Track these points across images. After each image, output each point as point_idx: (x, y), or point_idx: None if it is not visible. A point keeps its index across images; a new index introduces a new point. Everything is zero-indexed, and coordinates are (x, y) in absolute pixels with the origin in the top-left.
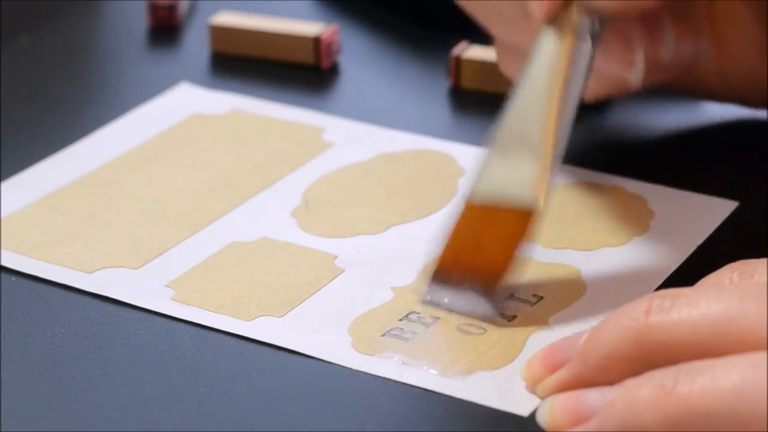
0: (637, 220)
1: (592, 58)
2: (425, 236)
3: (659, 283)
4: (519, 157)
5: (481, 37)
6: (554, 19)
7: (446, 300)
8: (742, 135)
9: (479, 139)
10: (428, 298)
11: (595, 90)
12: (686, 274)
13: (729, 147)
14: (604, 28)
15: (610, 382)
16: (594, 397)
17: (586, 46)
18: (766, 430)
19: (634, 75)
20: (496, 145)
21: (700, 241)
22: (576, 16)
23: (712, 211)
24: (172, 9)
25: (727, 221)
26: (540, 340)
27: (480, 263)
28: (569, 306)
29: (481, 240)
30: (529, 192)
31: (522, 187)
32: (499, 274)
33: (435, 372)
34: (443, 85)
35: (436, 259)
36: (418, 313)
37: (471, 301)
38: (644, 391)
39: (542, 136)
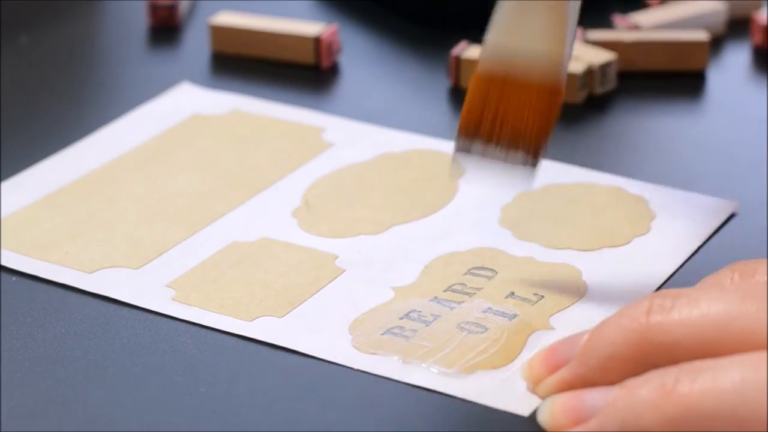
0: (637, 220)
1: None
2: (425, 236)
3: (660, 283)
4: (535, 20)
5: (481, 37)
6: None
7: (479, 153)
8: (742, 135)
9: None
10: (461, 151)
11: None
12: (687, 274)
13: (729, 147)
14: None
15: (611, 382)
16: (594, 397)
17: None
18: (766, 430)
19: None
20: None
21: (700, 241)
22: None
23: (712, 211)
24: (172, 9)
25: (727, 221)
26: (540, 340)
27: (507, 134)
28: (569, 306)
29: (507, 112)
30: (554, 68)
31: (545, 62)
32: (533, 144)
33: (435, 371)
34: (443, 85)
35: (462, 121)
36: (419, 311)
37: (506, 156)
38: (645, 391)
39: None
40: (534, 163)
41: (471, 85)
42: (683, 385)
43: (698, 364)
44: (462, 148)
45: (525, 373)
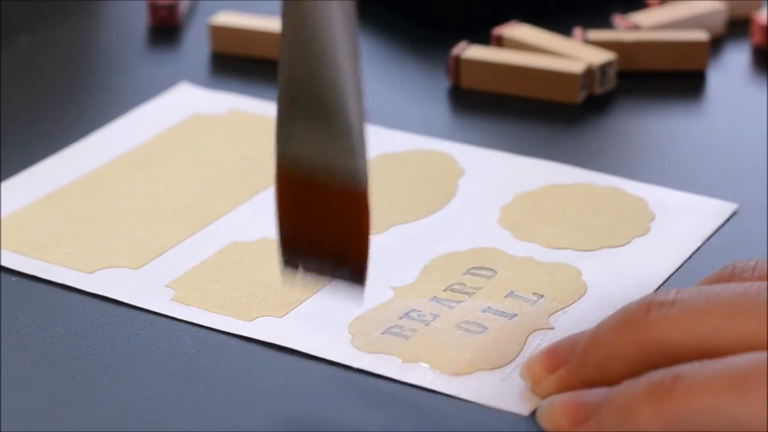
0: (637, 220)
1: None
2: (425, 236)
3: (659, 283)
4: (327, 122)
5: (481, 37)
6: None
7: (305, 269)
8: (742, 135)
9: (479, 139)
10: (285, 267)
11: None
12: (686, 275)
13: (729, 147)
14: None
15: (610, 382)
16: (594, 397)
17: None
18: (765, 430)
19: None
20: (292, 105)
21: (700, 241)
22: None
23: (712, 212)
24: (172, 9)
25: (727, 222)
26: (540, 339)
27: (328, 248)
28: (569, 306)
29: (317, 218)
30: (358, 169)
31: (349, 163)
32: (356, 259)
33: (435, 371)
34: (443, 85)
35: (279, 234)
36: (419, 311)
37: (332, 273)
38: (644, 391)
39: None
40: (361, 281)
41: (276, 190)
42: (682, 385)
43: (697, 364)
44: (288, 263)
45: (524, 373)
